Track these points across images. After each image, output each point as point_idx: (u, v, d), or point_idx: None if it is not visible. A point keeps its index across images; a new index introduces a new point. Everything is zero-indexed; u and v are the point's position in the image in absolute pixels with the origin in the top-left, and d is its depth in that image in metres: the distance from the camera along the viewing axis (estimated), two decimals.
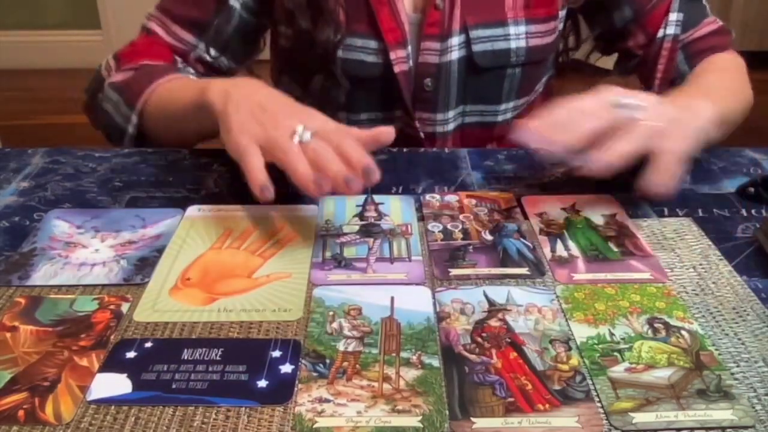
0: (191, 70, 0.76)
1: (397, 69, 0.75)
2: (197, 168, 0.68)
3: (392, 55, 0.74)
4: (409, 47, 0.74)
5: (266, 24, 0.80)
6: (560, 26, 0.81)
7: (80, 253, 0.54)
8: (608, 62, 0.88)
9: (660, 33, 0.78)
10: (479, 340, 0.44)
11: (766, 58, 3.29)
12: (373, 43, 0.74)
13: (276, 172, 0.52)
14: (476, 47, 0.75)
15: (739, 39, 3.08)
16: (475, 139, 0.82)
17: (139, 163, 0.69)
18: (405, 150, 0.72)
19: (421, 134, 0.79)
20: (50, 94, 2.90)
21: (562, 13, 0.80)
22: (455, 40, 0.74)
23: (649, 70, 0.80)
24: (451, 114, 0.79)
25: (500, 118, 0.81)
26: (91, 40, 3.07)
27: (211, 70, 0.78)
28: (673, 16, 0.77)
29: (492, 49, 0.75)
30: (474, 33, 0.74)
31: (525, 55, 0.77)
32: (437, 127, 0.79)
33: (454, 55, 0.75)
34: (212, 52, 0.77)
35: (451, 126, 0.80)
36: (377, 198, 0.62)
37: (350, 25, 0.73)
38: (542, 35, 0.77)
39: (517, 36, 0.75)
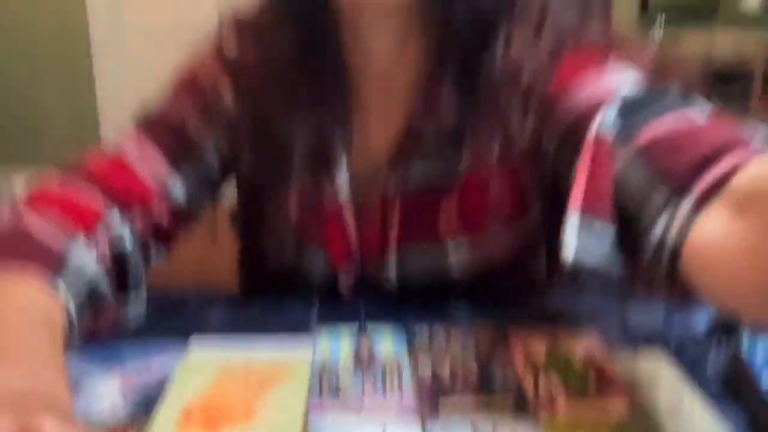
0: (88, 261, 0.59)
1: (343, 287, 0.75)
2: (200, 308, 0.72)
3: (340, 276, 0.74)
4: (354, 264, 0.74)
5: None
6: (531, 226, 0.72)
7: (82, 389, 0.56)
8: None
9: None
10: None
11: None
12: (321, 255, 0.74)
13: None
14: (411, 265, 0.72)
15: None
16: None
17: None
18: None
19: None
20: None
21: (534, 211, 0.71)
22: (391, 259, 0.72)
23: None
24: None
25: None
26: None
27: (177, 215, 0.70)
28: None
29: (430, 266, 0.72)
30: (407, 252, 0.72)
31: (469, 269, 0.72)
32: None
33: (392, 272, 0.73)
34: (187, 193, 0.70)
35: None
36: (370, 330, 0.66)
37: (301, 235, 0.73)
38: (491, 244, 0.71)
39: (458, 249, 0.70)
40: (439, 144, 0.65)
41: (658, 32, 3.29)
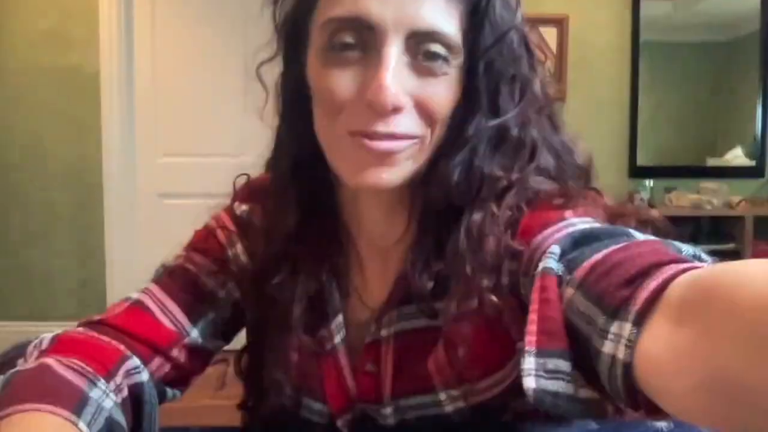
0: (106, 402, 0.61)
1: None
2: None
3: (338, 423, 0.74)
4: (353, 411, 0.75)
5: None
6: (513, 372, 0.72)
7: None
8: None
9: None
10: None
11: None
12: (318, 406, 0.75)
13: None
14: (409, 416, 0.72)
15: None
16: None
17: None
18: None
19: None
20: None
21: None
22: (388, 409, 0.73)
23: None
24: None
25: None
26: None
27: (195, 357, 0.74)
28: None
29: (426, 414, 0.72)
30: (404, 403, 0.72)
31: (470, 413, 0.71)
32: None
33: (390, 420, 0.73)
34: (197, 336, 0.74)
35: None
36: None
37: (298, 382, 0.75)
38: (485, 390, 0.71)
39: (452, 399, 0.71)
40: (425, 296, 0.69)
41: (646, 191, 3.44)
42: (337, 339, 0.73)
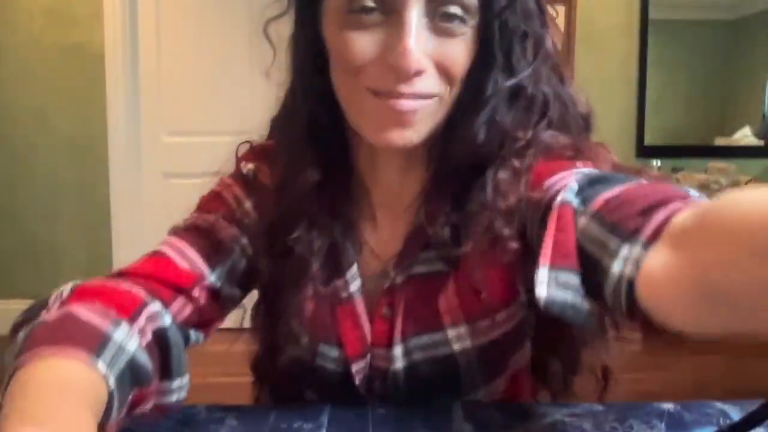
0: (130, 343, 0.61)
1: (356, 380, 0.78)
2: (212, 422, 0.74)
3: (354, 368, 0.77)
4: (367, 357, 0.77)
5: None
6: (521, 310, 0.78)
7: None
8: None
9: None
10: None
11: None
12: (335, 352, 0.77)
13: None
14: (417, 356, 0.75)
15: None
16: None
17: (158, 416, 0.74)
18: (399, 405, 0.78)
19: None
20: None
21: (520, 299, 0.77)
22: (398, 351, 0.76)
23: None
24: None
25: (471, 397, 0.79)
26: None
27: (215, 301, 0.76)
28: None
29: (433, 355, 0.75)
30: (413, 343, 0.75)
31: (475, 354, 0.75)
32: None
33: (399, 364, 0.76)
34: (222, 282, 0.76)
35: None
36: None
37: (314, 330, 0.77)
38: (489, 329, 0.75)
39: (459, 338, 0.74)
40: (439, 245, 0.74)
41: (654, 171, 3.42)
42: (353, 287, 0.77)
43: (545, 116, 0.72)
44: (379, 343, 0.77)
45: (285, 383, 0.81)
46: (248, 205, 0.80)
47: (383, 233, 0.79)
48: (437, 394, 0.77)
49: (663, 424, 0.72)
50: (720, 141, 3.66)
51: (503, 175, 0.70)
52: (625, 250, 0.53)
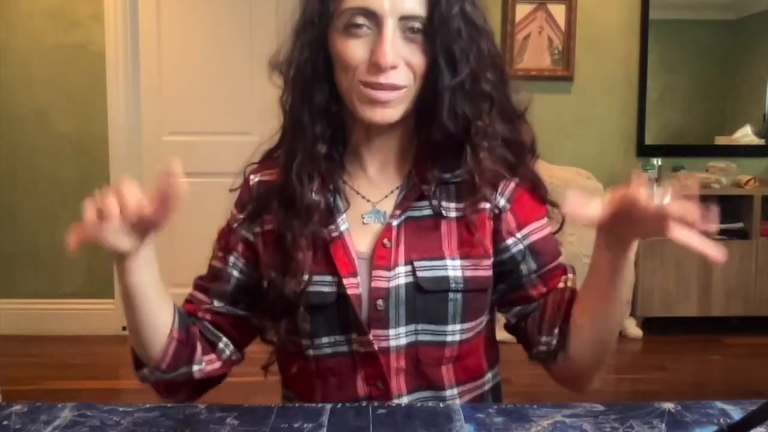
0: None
1: (350, 292, 0.90)
2: (212, 422, 0.74)
3: (345, 282, 0.91)
4: (360, 276, 0.92)
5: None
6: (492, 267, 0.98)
7: None
8: None
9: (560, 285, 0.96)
10: None
11: (752, 323, 3.46)
12: (329, 277, 0.92)
13: None
14: (420, 274, 0.93)
15: (724, 306, 3.27)
16: (428, 356, 0.92)
17: (159, 417, 0.75)
18: (403, 405, 0.78)
19: (376, 347, 0.90)
20: (56, 360, 2.98)
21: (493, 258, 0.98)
22: (401, 269, 0.92)
23: (541, 317, 0.95)
24: (402, 330, 0.91)
25: (449, 338, 0.93)
26: (103, 309, 3.24)
27: (219, 318, 0.97)
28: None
29: (433, 275, 0.93)
30: (417, 264, 0.93)
31: (463, 283, 0.93)
32: (391, 342, 0.90)
33: (401, 280, 0.92)
34: (217, 303, 0.98)
35: (403, 341, 0.91)
36: None
37: (312, 268, 0.92)
38: (475, 268, 0.95)
39: (454, 267, 0.93)
40: (431, 197, 0.94)
41: (654, 170, 3.42)
42: (343, 227, 0.95)
43: (494, 105, 0.94)
44: (383, 265, 0.93)
45: (282, 306, 0.94)
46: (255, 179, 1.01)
47: (378, 185, 0.98)
48: (422, 320, 0.92)
49: (663, 424, 0.73)
50: (720, 140, 3.66)
51: (477, 140, 0.93)
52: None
